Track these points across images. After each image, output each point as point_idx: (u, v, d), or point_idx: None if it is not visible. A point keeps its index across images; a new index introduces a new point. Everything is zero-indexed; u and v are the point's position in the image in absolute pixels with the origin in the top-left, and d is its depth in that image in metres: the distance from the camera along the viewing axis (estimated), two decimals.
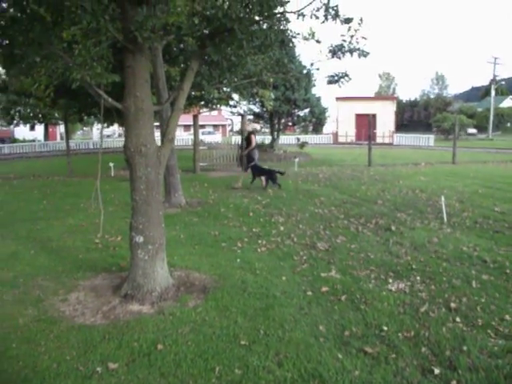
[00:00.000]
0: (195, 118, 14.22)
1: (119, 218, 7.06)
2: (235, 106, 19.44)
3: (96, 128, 36.17)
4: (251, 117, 22.55)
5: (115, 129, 49.26)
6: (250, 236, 5.88)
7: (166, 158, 3.83)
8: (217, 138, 37.56)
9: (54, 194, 10.14)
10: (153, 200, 3.75)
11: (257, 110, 22.28)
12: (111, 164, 13.69)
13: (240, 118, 15.55)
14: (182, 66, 9.56)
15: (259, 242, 5.56)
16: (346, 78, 4.67)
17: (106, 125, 31.32)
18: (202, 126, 32.84)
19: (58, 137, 50.40)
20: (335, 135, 36.35)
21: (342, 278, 4.19)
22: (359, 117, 34.85)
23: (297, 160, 14.68)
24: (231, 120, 48.80)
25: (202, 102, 15.02)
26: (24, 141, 39.44)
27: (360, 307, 3.53)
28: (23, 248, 5.39)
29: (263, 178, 10.06)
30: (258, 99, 19.83)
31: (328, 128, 36.72)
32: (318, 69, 6.82)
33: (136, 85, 3.57)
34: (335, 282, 4.06)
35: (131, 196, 3.77)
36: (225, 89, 12.36)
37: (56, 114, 22.20)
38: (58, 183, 12.37)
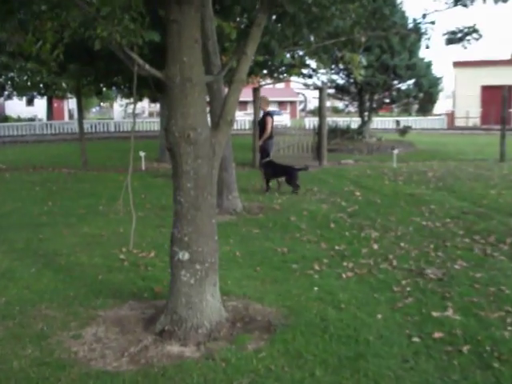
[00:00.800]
0: (256, 92, 14.40)
1: (152, 227, 7.41)
2: (310, 76, 19.47)
3: (119, 104, 38.00)
4: (332, 90, 22.49)
5: (144, 106, 51.59)
6: (332, 256, 5.95)
7: (223, 147, 4.01)
8: (284, 119, 37.90)
9: (62, 192, 10.91)
10: (203, 203, 3.94)
11: (340, 81, 22.19)
12: (142, 153, 14.35)
13: (317, 92, 15.64)
14: (239, 20, 9.83)
15: (344, 264, 5.63)
16: (474, 34, 4.58)
17: (130, 100, 33.03)
18: None
19: (66, 115, 53.76)
20: (451, 117, 35.08)
21: (463, 320, 4.11)
22: (487, 90, 33.30)
23: (396, 152, 14.41)
24: (303, 95, 48.96)
25: (265, 71, 15.23)
26: (19, 119, 42.52)
27: (492, 365, 3.46)
28: (20, 264, 5.81)
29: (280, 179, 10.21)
30: (343, 66, 19.75)
31: (440, 107, 35.53)
32: (432, 22, 6.57)
33: (183, 47, 3.74)
34: (453, 326, 4.01)
35: (174, 197, 4.00)
36: (300, 52, 12.48)
37: (64, 84, 23.40)
38: (68, 178, 13.26)
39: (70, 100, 51.12)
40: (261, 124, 10.96)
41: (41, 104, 43.72)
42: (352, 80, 20.70)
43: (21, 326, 4.17)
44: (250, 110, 42.62)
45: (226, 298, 4.50)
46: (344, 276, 5.25)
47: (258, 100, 14.20)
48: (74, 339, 3.95)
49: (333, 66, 20.34)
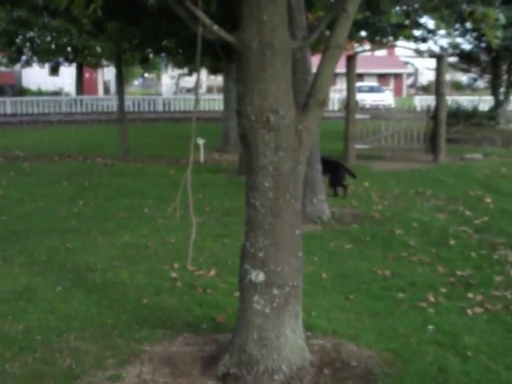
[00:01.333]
0: (351, 61, 14.37)
1: (212, 237, 7.59)
2: (424, 40, 19.11)
3: (170, 76, 38.85)
4: (454, 59, 21.97)
5: (201, 78, 52.31)
6: (452, 284, 5.88)
7: (313, 136, 4.03)
8: (386, 98, 37.35)
9: (96, 188, 11.34)
10: (285, 208, 3.97)
11: (467, 46, 21.63)
12: (200, 141, 14.65)
13: (433, 61, 15.33)
14: None
15: (470, 296, 5.55)
16: None
17: (185, 71, 33.62)
18: (359, 77, 32.63)
19: (100, 88, 55.66)
20: None
21: None
22: None
23: None
24: (414, 66, 47.94)
25: (365, 34, 15.09)
26: (40, 93, 44.36)
27: None
28: (42, 281, 6.05)
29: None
30: (471, 26, 19.19)
31: None
32: None
33: (262, 2, 3.85)
34: None
35: (247, 200, 4.05)
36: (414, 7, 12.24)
37: (99, 49, 23.87)
38: (104, 170, 13.77)
39: (105, 69, 53.01)
40: None
41: (68, 74, 45.34)
42: (484, 45, 20.12)
43: (43, 361, 4.34)
44: (340, 84, 42.34)
45: (311, 335, 4.51)
46: (470, 312, 5.15)
47: (353, 72, 14.14)
48: (112, 381, 4.07)
49: (457, 26, 19.85)
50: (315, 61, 4.47)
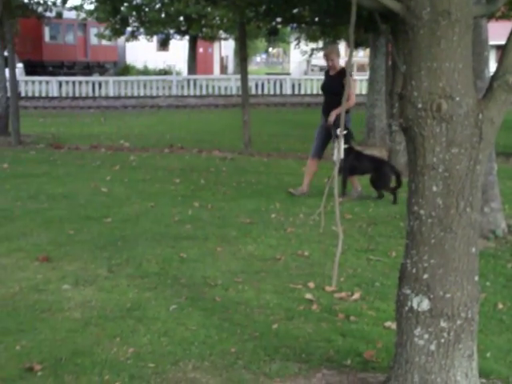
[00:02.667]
0: None
1: (356, 252, 7.62)
2: None
3: (300, 51, 38.79)
4: None
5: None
6: None
7: (497, 129, 3.89)
8: None
9: (214, 187, 11.64)
10: (458, 220, 3.88)
11: None
12: (339, 132, 14.62)
13: None
14: None
15: None
16: None
17: (319, 45, 33.40)
18: None
19: (217, 67, 56.73)
20: None
21: None
22: None
23: None
24: None
25: None
26: (146, 71, 45.68)
27: None
28: (154, 297, 6.22)
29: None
30: None
31: None
32: None
33: None
34: None
35: (409, 207, 3.98)
36: None
37: (217, 19, 23.95)
38: (223, 165, 14.11)
39: (222, 43, 54.07)
40: (333, 88, 10.67)
41: (179, 48, 46.60)
42: None
43: None
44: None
45: (486, 382, 4.40)
46: None
47: None
48: None
49: None
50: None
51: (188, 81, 35.61)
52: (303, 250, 7.69)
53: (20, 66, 30.32)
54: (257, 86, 34.38)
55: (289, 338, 5.32)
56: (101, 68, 47.99)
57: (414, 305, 3.95)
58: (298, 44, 35.47)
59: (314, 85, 34.79)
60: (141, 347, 5.15)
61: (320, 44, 33.00)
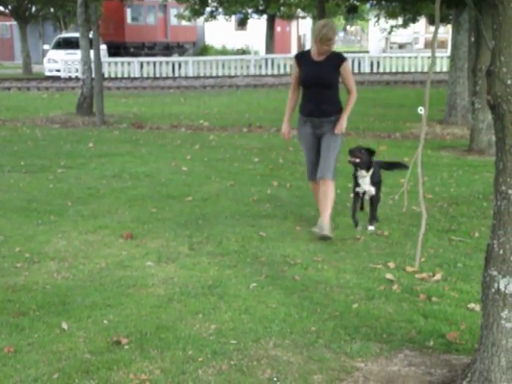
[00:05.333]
0: None
1: (436, 232, 7.52)
2: None
3: (380, 29, 38.28)
4: None
5: (418, 31, 51.39)
6: None
7: None
8: None
9: (292, 166, 11.60)
10: None
11: None
12: (421, 111, 14.40)
13: None
14: None
15: None
16: None
17: (398, 22, 32.94)
18: None
19: (294, 45, 56.49)
20: None
21: None
22: None
23: None
24: None
25: None
26: (224, 51, 45.74)
27: None
28: (234, 275, 6.25)
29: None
30: None
31: None
32: None
33: None
34: None
35: (495, 187, 3.90)
36: None
37: None
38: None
39: (300, 21, 53.84)
40: (325, 78, 7.61)
41: (257, 28, 46.54)
42: None
43: (240, 370, 4.52)
44: None
45: None
46: None
47: None
48: None
49: None
50: None
51: (266, 60, 35.53)
52: (383, 229, 7.65)
53: (103, 47, 30.80)
54: None
55: (369, 317, 5.31)
56: (180, 48, 48.36)
57: (501, 287, 3.87)
58: (377, 21, 35.04)
59: (393, 63, 34.38)
60: (222, 324, 5.22)
61: (400, 21, 32.50)
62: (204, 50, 45.86)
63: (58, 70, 33.57)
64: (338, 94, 7.76)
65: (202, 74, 33.94)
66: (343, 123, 7.64)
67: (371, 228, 7.70)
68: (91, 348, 4.77)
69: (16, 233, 7.61)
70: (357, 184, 7.83)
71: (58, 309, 5.48)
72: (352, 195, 8.11)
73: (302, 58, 7.91)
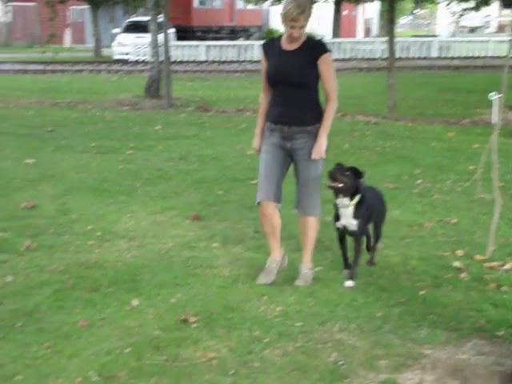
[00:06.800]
0: None
1: (508, 220, 7.39)
2: None
3: (451, 12, 37.26)
4: None
5: (489, 15, 50.08)
6: None
7: None
8: None
9: (357, 152, 11.53)
10: None
11: None
12: (494, 96, 14.14)
13: None
14: None
15: None
16: None
17: (470, 5, 32.05)
18: None
19: (360, 30, 55.88)
20: None
21: None
22: None
23: None
24: None
25: None
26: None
27: None
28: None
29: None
30: None
31: None
32: None
33: None
34: None
35: None
36: None
37: None
38: (366, 130, 13.96)
39: (366, 5, 53.19)
40: (298, 74, 5.74)
41: (323, 11, 46.17)
42: None
43: (305, 352, 4.56)
44: None
45: None
46: None
47: None
48: None
49: None
50: None
51: (332, 44, 35.29)
52: (451, 217, 7.55)
53: (172, 31, 31.00)
54: (402, 48, 33.39)
55: (437, 305, 5.29)
56: (246, 32, 48.38)
57: None
58: (448, 4, 34.24)
59: (463, 47, 33.73)
60: (288, 306, 5.27)
61: (472, 3, 31.77)
62: (269, 34, 45.52)
63: (127, 54, 33.96)
64: (315, 95, 5.87)
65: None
66: (323, 144, 5.82)
67: (348, 284, 5.70)
68: (160, 325, 4.89)
69: (88, 211, 7.79)
70: (336, 216, 5.99)
71: (129, 286, 5.62)
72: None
73: (271, 46, 5.97)
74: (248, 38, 45.75)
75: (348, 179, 5.83)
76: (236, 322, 4.95)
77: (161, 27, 18.64)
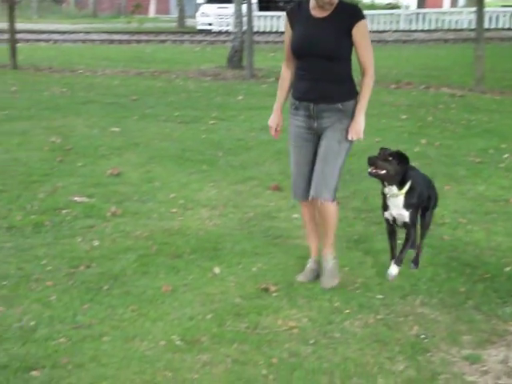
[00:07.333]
0: None
1: None
2: None
3: None
4: None
5: None
6: None
7: None
8: None
9: (441, 124, 11.35)
10: None
11: None
12: None
13: None
14: None
15: None
16: None
17: None
18: None
19: (447, 0, 54.65)
20: None
21: None
22: None
23: None
24: None
25: None
26: (373, 6, 44.67)
27: None
28: (379, 231, 5.81)
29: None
30: None
31: None
32: None
33: None
34: None
35: None
36: None
37: None
38: (451, 103, 13.71)
39: None
40: (329, 45, 5.06)
41: None
42: None
43: (386, 325, 4.56)
44: None
45: None
46: None
47: None
48: (470, 363, 4.11)
49: None
50: None
51: (416, 15, 34.64)
52: None
53: (254, 1, 30.92)
54: (491, 19, 32.37)
55: None
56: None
57: None
58: None
59: None
60: (368, 278, 5.27)
61: None
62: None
63: (210, 24, 34.09)
64: (347, 68, 5.22)
65: None
66: (361, 123, 5.09)
67: (392, 271, 5.30)
68: (241, 293, 4.95)
69: (171, 180, 7.91)
70: (385, 206, 5.41)
71: (210, 254, 5.70)
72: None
73: (297, 13, 5.24)
74: None
75: (391, 166, 5.11)
76: (316, 292, 4.98)
77: None
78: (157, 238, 6.02)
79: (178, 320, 4.51)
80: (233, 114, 12.29)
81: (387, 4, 44.61)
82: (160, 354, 4.09)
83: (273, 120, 5.48)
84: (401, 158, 5.14)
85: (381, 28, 33.40)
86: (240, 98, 14.25)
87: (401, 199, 5.21)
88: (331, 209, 5.16)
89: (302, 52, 5.10)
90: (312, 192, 5.11)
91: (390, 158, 5.10)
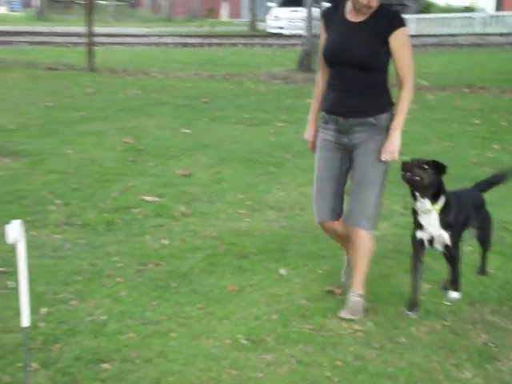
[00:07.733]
0: None
1: None
2: None
3: None
4: None
5: None
6: None
7: None
8: None
9: None
10: None
11: None
12: None
13: None
14: None
15: None
16: None
17: None
18: None
19: None
20: None
21: None
22: None
23: None
24: None
25: None
26: (448, 9, 43.95)
27: None
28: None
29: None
30: None
31: None
32: None
33: None
34: None
35: None
36: None
37: None
38: None
39: None
40: (364, 53, 4.60)
41: None
42: None
43: (453, 331, 4.50)
44: None
45: None
46: None
47: None
48: None
49: None
50: None
51: (492, 18, 33.87)
52: None
53: (327, 5, 30.78)
54: None
55: None
56: (402, 6, 47.35)
57: None
58: None
59: None
60: (435, 284, 5.22)
61: None
62: (426, 8, 44.32)
63: (281, 28, 34.12)
64: (383, 79, 4.77)
65: (422, 33, 32.96)
66: (396, 142, 4.60)
67: (454, 295, 4.91)
68: (307, 295, 4.97)
69: (239, 181, 7.97)
70: (418, 224, 4.77)
71: (276, 255, 5.73)
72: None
73: (331, 15, 4.83)
74: (405, 11, 44.82)
75: (426, 174, 4.56)
76: (382, 296, 4.96)
77: (316, 1, 18.60)
78: (224, 239, 6.08)
79: (243, 319, 4.55)
80: (301, 117, 12.18)
81: (466, 7, 43.86)
82: (225, 352, 4.13)
83: (308, 133, 5.17)
84: (437, 168, 4.61)
85: (455, 32, 32.86)
86: (309, 101, 14.16)
87: (435, 216, 4.66)
88: (366, 239, 4.70)
89: (333, 59, 4.70)
90: (349, 221, 4.72)
91: (426, 167, 4.57)
